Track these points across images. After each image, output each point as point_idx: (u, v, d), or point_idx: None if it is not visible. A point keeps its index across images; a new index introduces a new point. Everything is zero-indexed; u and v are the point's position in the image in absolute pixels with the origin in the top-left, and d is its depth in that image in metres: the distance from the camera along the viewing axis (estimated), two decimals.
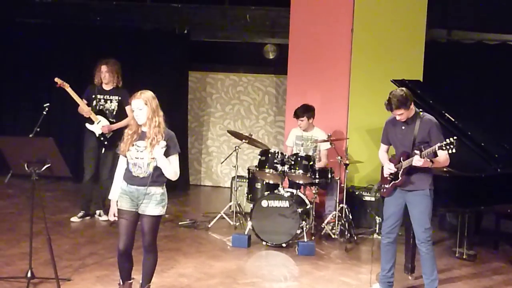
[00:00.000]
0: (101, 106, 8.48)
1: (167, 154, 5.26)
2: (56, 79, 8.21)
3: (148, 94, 5.36)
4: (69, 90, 8.23)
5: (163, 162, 5.23)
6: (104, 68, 8.46)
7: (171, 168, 5.30)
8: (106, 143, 8.43)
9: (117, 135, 8.37)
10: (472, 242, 7.64)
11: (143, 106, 5.27)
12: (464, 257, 7.58)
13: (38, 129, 7.19)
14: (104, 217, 8.59)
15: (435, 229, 7.77)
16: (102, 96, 8.52)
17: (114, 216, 5.41)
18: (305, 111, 8.59)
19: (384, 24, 9.48)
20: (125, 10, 11.39)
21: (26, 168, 5.65)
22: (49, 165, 5.66)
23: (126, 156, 5.35)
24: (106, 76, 8.46)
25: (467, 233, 7.54)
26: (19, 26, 11.62)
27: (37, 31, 11.61)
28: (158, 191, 5.35)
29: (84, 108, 8.34)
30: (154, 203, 5.31)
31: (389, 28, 9.46)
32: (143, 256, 5.51)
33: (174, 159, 5.35)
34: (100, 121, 8.38)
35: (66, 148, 8.30)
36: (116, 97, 8.51)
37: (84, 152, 8.58)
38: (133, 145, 5.30)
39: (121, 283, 5.56)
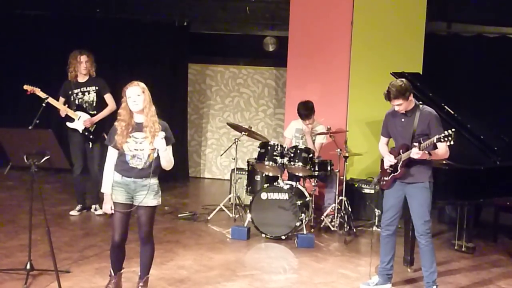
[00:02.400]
0: (79, 100, 8.34)
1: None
2: (25, 87, 7.98)
3: (143, 84, 5.38)
4: (41, 93, 7.99)
5: (165, 153, 5.25)
6: (84, 58, 8.32)
7: (170, 158, 5.34)
8: (91, 137, 8.31)
9: (101, 126, 8.33)
10: (471, 235, 7.66)
11: (141, 93, 5.27)
12: (463, 249, 7.60)
13: (38, 121, 7.18)
14: (99, 211, 8.50)
15: (434, 221, 7.78)
16: (79, 90, 8.35)
17: (111, 209, 5.36)
18: (310, 112, 8.54)
19: (383, 17, 9.46)
20: (125, 2, 11.37)
21: (26, 160, 5.64)
22: (48, 157, 5.65)
23: (122, 149, 5.29)
24: (86, 66, 8.33)
25: (466, 226, 7.56)
26: (18, 17, 11.61)
27: (37, 23, 11.60)
28: (155, 182, 5.38)
29: (59, 108, 8.18)
30: (152, 194, 5.33)
31: (389, 21, 9.45)
32: (140, 248, 5.52)
33: (170, 149, 5.38)
34: (80, 116, 8.25)
35: (65, 140, 8.27)
36: (93, 87, 8.37)
37: (70, 148, 8.37)
38: (130, 136, 5.28)
39: (113, 274, 5.58)
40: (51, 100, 8.05)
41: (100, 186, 5.52)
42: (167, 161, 5.31)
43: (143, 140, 5.26)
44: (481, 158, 7.29)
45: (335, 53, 9.63)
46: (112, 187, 5.35)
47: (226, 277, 6.43)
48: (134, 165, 5.28)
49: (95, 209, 8.64)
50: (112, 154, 5.40)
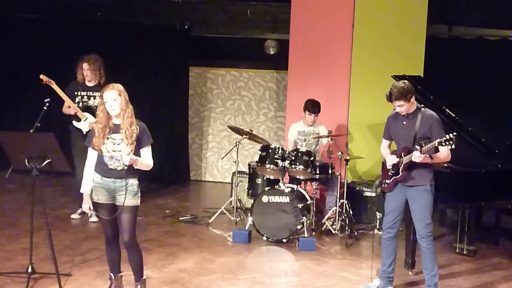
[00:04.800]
0: (84, 103, 8.31)
1: (141, 146, 5.33)
2: (42, 76, 8.00)
3: (120, 86, 5.39)
4: (55, 87, 8.02)
5: (139, 165, 5.29)
6: (85, 66, 8.29)
7: (146, 163, 5.36)
8: None
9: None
10: (472, 238, 7.64)
11: (117, 97, 5.29)
12: (464, 252, 7.58)
13: (39, 125, 7.17)
14: (93, 218, 8.29)
15: (436, 224, 7.77)
16: (85, 93, 8.33)
17: (90, 209, 5.44)
18: (319, 108, 8.57)
19: (385, 19, 9.47)
20: (126, 6, 11.37)
21: (27, 163, 5.65)
22: (49, 160, 5.66)
23: (100, 151, 5.33)
24: (88, 74, 8.30)
25: (468, 229, 7.54)
26: (19, 21, 11.63)
27: (38, 26, 11.62)
28: (135, 182, 5.40)
29: (71, 105, 8.17)
30: (131, 194, 5.35)
31: (390, 24, 9.46)
32: (127, 255, 5.54)
33: (147, 150, 5.40)
34: (87, 118, 8.19)
35: (66, 143, 8.26)
36: (99, 94, 8.33)
37: (72, 150, 8.28)
38: (107, 138, 5.30)
39: (113, 277, 5.62)
40: (63, 96, 8.07)
41: None
42: (143, 167, 5.36)
43: (120, 141, 5.29)
44: (482, 161, 7.29)
45: (336, 56, 9.63)
46: (94, 188, 5.39)
47: (227, 280, 6.43)
48: (113, 166, 5.32)
49: (90, 216, 8.33)
50: (91, 155, 5.44)
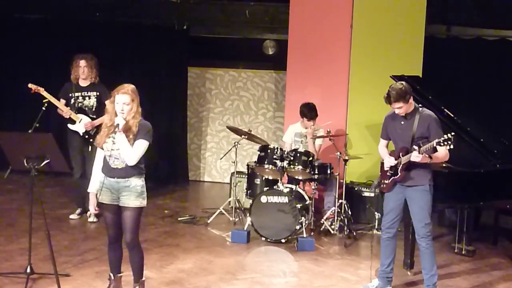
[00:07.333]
0: (79, 104, 8.31)
1: (135, 138, 5.27)
2: (30, 85, 7.95)
3: (133, 87, 5.36)
4: (45, 93, 7.98)
5: (121, 140, 5.20)
6: (83, 63, 8.29)
7: (131, 150, 5.24)
8: (91, 140, 8.24)
9: (101, 130, 8.31)
10: (471, 238, 7.64)
11: (130, 102, 5.27)
12: (463, 252, 7.58)
13: (37, 125, 7.18)
14: (92, 218, 8.37)
15: (434, 224, 7.78)
16: (79, 93, 8.33)
17: (95, 209, 5.44)
18: (316, 112, 8.55)
19: (383, 20, 9.47)
20: (125, 6, 11.37)
21: (25, 164, 5.65)
22: (48, 160, 5.66)
23: (102, 148, 5.33)
24: (84, 71, 8.29)
25: (466, 229, 7.54)
26: (18, 21, 11.62)
27: (36, 26, 11.61)
28: (139, 183, 5.35)
29: (63, 109, 8.18)
30: (135, 195, 5.31)
31: (389, 24, 9.46)
32: (129, 255, 5.51)
33: (140, 144, 5.29)
34: (81, 119, 8.22)
35: (65, 143, 8.26)
36: (94, 93, 8.33)
37: (69, 152, 8.30)
38: (109, 137, 5.28)
39: (112, 277, 5.60)
40: (54, 101, 8.05)
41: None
42: (125, 151, 5.22)
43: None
44: (481, 161, 7.28)
45: (335, 57, 9.64)
46: (101, 188, 5.36)
47: (226, 280, 6.42)
48: (114, 165, 5.30)
49: (89, 216, 8.46)
50: (99, 155, 5.45)
